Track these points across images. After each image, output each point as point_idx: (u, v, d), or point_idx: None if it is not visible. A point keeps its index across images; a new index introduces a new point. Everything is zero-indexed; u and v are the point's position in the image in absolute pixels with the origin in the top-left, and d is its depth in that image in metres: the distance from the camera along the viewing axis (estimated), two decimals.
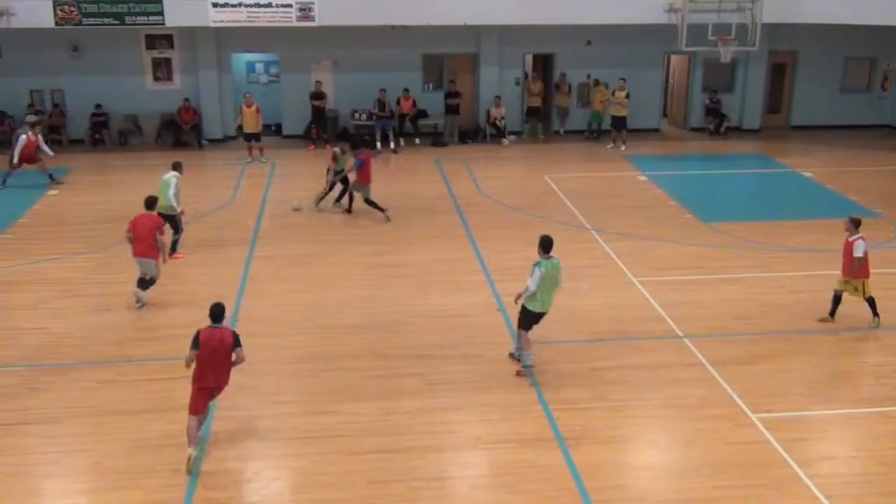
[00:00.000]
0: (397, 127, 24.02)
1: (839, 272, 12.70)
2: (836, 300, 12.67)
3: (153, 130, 24.34)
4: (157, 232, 13.07)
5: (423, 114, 24.73)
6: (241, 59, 25.69)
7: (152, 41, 23.95)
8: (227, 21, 21.77)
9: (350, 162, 17.70)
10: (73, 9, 21.16)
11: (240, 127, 22.40)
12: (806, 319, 12.79)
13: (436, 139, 24.58)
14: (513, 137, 24.87)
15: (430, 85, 25.49)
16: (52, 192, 19.50)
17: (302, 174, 21.15)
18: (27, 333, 12.42)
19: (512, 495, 8.85)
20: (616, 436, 9.93)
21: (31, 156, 19.53)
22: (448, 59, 25.41)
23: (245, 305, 13.29)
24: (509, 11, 22.40)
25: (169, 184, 14.92)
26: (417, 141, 24.34)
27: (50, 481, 9.18)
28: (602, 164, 22.45)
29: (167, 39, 23.96)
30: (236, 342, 9.37)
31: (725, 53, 22.66)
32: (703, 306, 13.35)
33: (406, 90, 24.12)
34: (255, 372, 10.94)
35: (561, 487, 8.95)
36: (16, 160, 19.28)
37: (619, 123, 24.01)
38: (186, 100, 23.93)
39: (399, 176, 21.57)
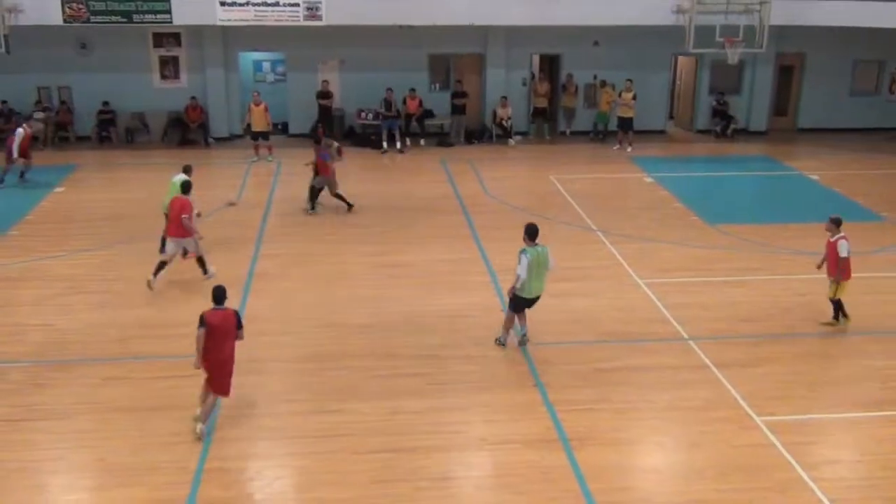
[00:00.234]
0: (403, 127, 24.02)
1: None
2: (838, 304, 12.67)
3: (160, 128, 24.38)
4: (183, 212, 13.63)
5: (429, 114, 24.73)
6: (248, 57, 25.72)
7: (160, 39, 24.00)
8: (235, 20, 21.81)
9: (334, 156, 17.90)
10: (81, 6, 21.21)
11: (248, 125, 22.46)
12: (811, 322, 12.77)
13: (442, 139, 24.58)
14: (519, 138, 24.86)
15: (437, 85, 25.50)
16: (58, 189, 19.54)
17: (307, 172, 21.10)
18: (33, 330, 12.46)
19: (516, 496, 8.85)
20: (620, 437, 9.93)
21: (24, 150, 19.56)
22: (455, 59, 25.42)
23: (251, 304, 13.30)
24: (516, 12, 22.40)
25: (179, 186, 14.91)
26: (423, 141, 24.35)
27: (55, 477, 9.21)
28: (608, 166, 22.43)
29: (175, 38, 24.01)
30: (238, 323, 9.76)
31: (733, 55, 22.62)
32: (709, 308, 13.33)
33: (412, 90, 24.13)
34: (260, 370, 10.96)
35: (565, 489, 8.94)
36: (15, 154, 19.29)
37: (625, 125, 23.99)
38: (193, 98, 23.98)
39: (405, 176, 21.60)
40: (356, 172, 21.87)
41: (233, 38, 23.85)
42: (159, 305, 13.27)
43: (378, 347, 12.00)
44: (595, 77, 25.34)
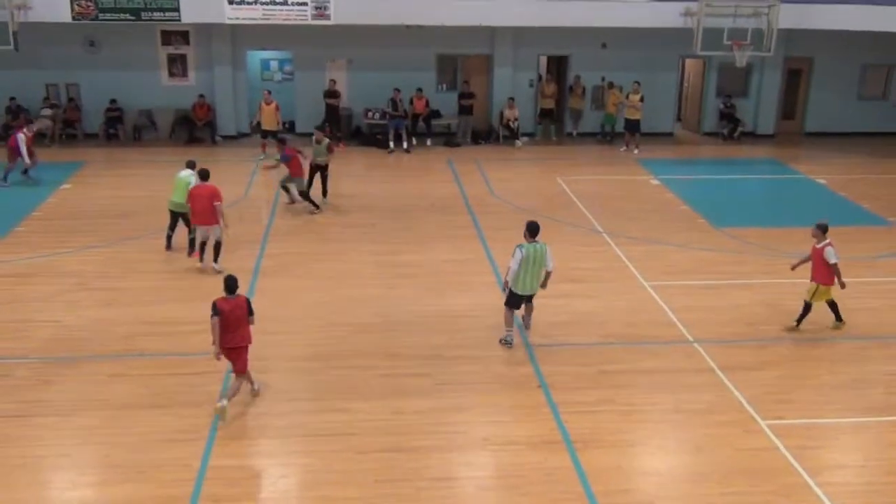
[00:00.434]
0: (410, 126, 24.04)
1: (852, 279, 12.64)
2: (832, 307, 12.65)
3: (167, 126, 24.43)
4: (214, 200, 14.07)
5: (436, 114, 24.75)
6: (256, 56, 25.76)
7: (168, 37, 24.03)
8: (243, 18, 21.83)
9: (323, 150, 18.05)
10: (89, 4, 21.25)
11: (258, 123, 22.54)
12: (817, 326, 12.73)
13: (448, 139, 24.60)
14: (526, 139, 24.86)
15: (444, 85, 25.51)
16: (66, 185, 19.60)
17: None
18: (39, 326, 12.49)
19: (519, 497, 8.85)
20: (624, 440, 9.92)
21: (29, 150, 19.51)
22: (462, 59, 25.43)
23: (255, 302, 13.23)
24: (524, 13, 22.38)
25: (188, 182, 14.95)
26: (430, 141, 24.35)
27: (59, 473, 9.24)
28: (615, 168, 22.42)
29: (183, 36, 24.04)
30: (250, 309, 10.17)
31: (741, 58, 22.58)
32: (714, 311, 13.31)
33: (419, 90, 24.14)
34: (264, 369, 10.97)
35: (568, 490, 8.95)
36: (27, 160, 19.27)
37: (632, 127, 23.96)
38: (201, 96, 24.02)
39: (411, 175, 21.61)
40: (362, 172, 21.93)
41: (241, 36, 23.89)
42: (166, 302, 13.30)
43: (382, 347, 12.01)
44: (603, 79, 25.31)
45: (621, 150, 24.00)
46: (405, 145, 23.70)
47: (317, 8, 21.83)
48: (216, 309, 9.90)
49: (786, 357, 11.94)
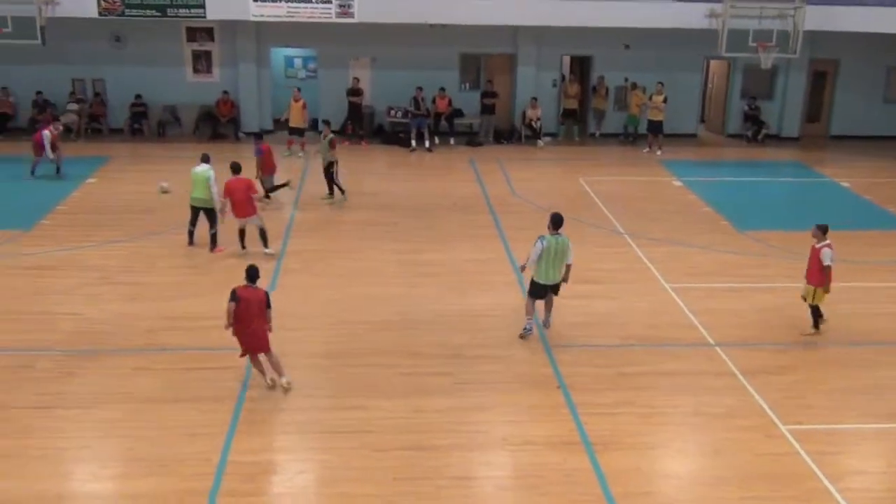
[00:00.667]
0: (432, 125, 24.06)
1: (875, 284, 12.52)
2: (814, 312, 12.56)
3: (191, 122, 24.59)
4: (250, 192, 14.83)
5: (458, 113, 24.74)
6: (280, 53, 25.86)
7: (193, 34, 24.19)
8: (268, 15, 21.93)
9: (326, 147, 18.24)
10: (117, 0, 21.43)
11: (286, 120, 22.71)
12: (840, 332, 12.62)
13: (471, 139, 24.58)
14: (548, 139, 24.81)
15: (467, 84, 25.50)
16: (91, 180, 19.76)
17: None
18: (63, 318, 12.61)
19: (538, 497, 8.84)
20: (644, 442, 9.89)
21: (53, 145, 19.65)
22: (485, 58, 25.41)
23: (276, 298, 13.32)
24: (548, 13, 22.31)
25: (208, 177, 15.06)
26: (452, 140, 24.35)
27: (81, 465, 9.32)
28: (637, 169, 22.33)
29: (208, 32, 24.19)
30: (268, 303, 10.41)
31: (766, 60, 22.40)
32: (736, 314, 13.23)
33: (442, 89, 24.14)
34: (286, 365, 11.00)
35: (587, 492, 8.93)
36: (51, 155, 19.42)
37: (655, 128, 23.85)
38: (225, 92, 24.15)
39: (433, 174, 21.62)
40: (384, 170, 21.98)
41: (265, 33, 24.00)
42: (187, 297, 13.38)
43: (403, 345, 12.03)
44: (626, 79, 25.21)
45: (644, 151, 23.90)
46: (427, 144, 23.71)
47: (341, 6, 21.88)
48: (235, 296, 10.16)
49: (807, 361, 11.85)
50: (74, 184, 19.33)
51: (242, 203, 14.81)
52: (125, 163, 21.71)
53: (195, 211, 15.35)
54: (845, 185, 21.07)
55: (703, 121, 27.33)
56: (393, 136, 24.28)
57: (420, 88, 23.58)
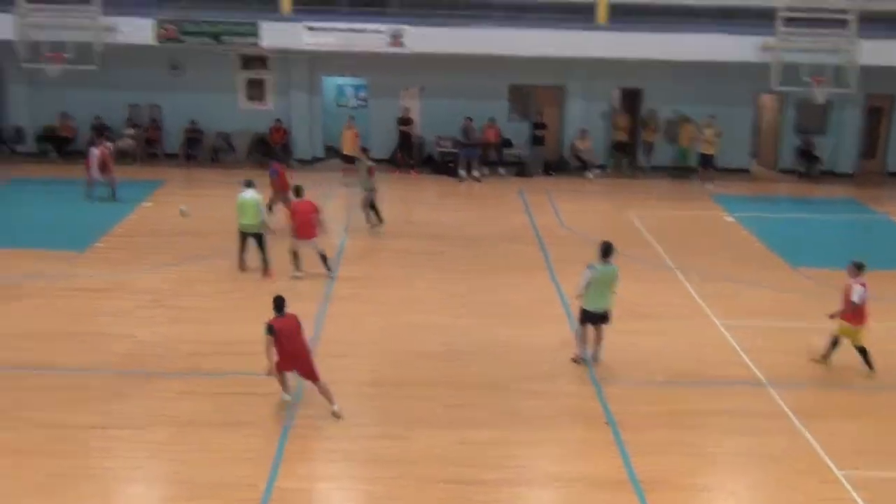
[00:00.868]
0: (481, 155, 24.11)
1: None
2: (834, 343, 12.37)
3: (244, 148, 24.95)
4: (315, 214, 15.22)
5: (507, 143, 24.78)
6: (331, 82, 26.18)
7: (247, 62, 24.63)
8: (321, 45, 22.24)
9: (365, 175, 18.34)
10: (173, 28, 21.91)
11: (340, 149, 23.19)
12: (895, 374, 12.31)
13: (520, 169, 24.57)
14: (597, 171, 24.70)
15: (516, 115, 25.54)
16: (146, 203, 20.10)
17: (383, 198, 21.28)
18: (115, 340, 12.78)
19: None
20: (694, 483, 9.69)
21: (105, 167, 20.04)
22: (535, 90, 25.45)
23: (325, 325, 13.43)
24: (598, 45, 22.31)
25: (257, 202, 15.25)
26: (502, 171, 24.37)
27: (130, 486, 9.41)
28: (688, 203, 22.11)
29: (262, 61, 24.60)
30: (299, 324, 10.72)
31: (820, 95, 22.12)
32: (789, 353, 12.95)
33: (491, 119, 24.21)
34: (334, 393, 11.00)
35: None
36: (96, 175, 19.80)
37: (706, 161, 23.64)
38: (278, 120, 24.49)
39: (481, 204, 21.64)
40: (434, 200, 22.06)
41: (318, 62, 24.32)
42: (234, 322, 13.46)
43: (448, 376, 11.97)
44: (676, 112, 25.06)
45: (695, 185, 23.66)
46: (476, 174, 23.75)
47: (392, 36, 22.11)
48: (272, 329, 10.35)
49: (863, 405, 11.54)
50: (129, 207, 19.67)
51: (306, 225, 15.08)
52: (179, 186, 22.09)
53: (243, 237, 15.51)
54: None
55: (754, 156, 27.02)
56: (442, 165, 24.36)
57: (469, 118, 23.67)
